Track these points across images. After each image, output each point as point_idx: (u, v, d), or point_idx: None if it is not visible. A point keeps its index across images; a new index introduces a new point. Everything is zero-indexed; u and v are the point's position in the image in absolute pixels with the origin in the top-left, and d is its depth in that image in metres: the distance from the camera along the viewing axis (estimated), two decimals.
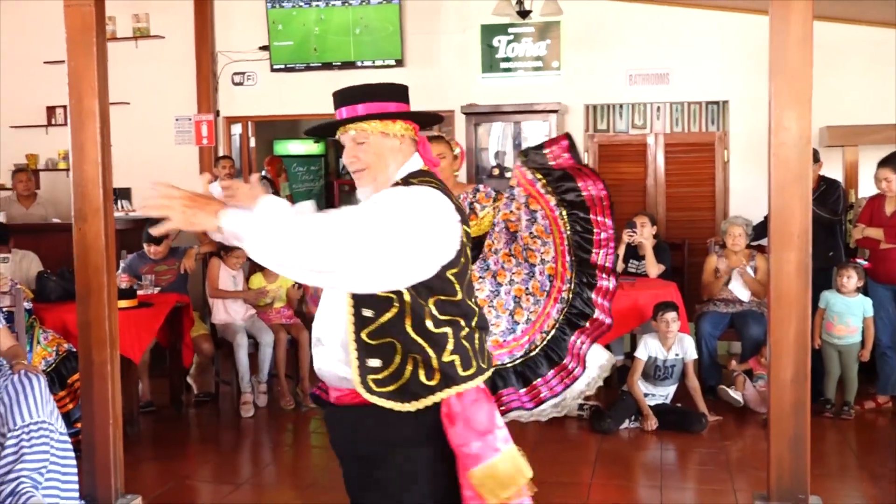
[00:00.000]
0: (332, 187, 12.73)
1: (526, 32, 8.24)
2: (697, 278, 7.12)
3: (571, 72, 8.26)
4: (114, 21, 8.76)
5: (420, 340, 2.33)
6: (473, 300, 2.47)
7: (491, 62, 8.39)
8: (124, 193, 8.73)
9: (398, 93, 2.48)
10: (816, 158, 6.44)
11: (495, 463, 2.36)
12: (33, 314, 5.47)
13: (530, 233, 4.49)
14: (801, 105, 3.77)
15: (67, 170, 9.21)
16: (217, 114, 9.07)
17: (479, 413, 2.38)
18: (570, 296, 4.46)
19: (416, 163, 2.48)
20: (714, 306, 6.75)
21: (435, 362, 2.33)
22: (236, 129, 9.50)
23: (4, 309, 4.84)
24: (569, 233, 4.41)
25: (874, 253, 6.39)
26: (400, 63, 8.49)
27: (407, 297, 2.29)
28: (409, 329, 2.31)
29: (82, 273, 4.33)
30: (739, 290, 6.71)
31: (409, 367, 2.33)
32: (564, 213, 4.41)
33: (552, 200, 4.43)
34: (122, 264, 6.63)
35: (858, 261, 6.48)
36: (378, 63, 8.53)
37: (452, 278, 2.36)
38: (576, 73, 8.25)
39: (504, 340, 4.51)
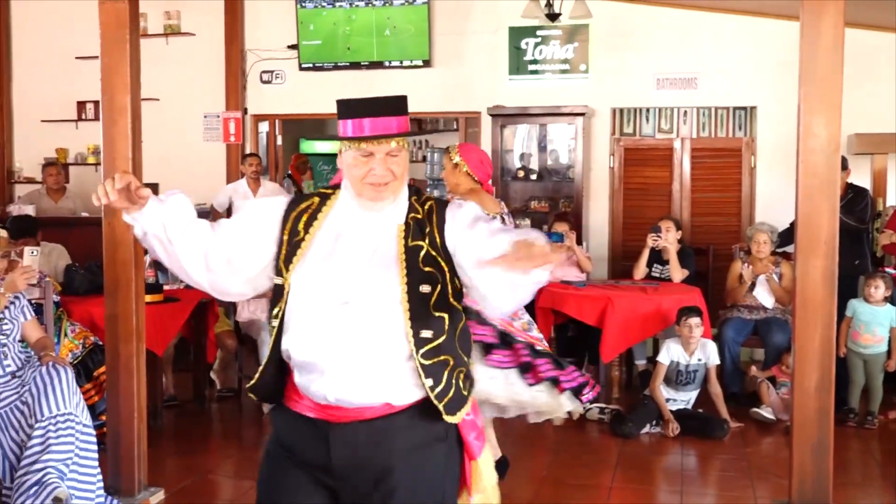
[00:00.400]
0: None
1: (554, 35, 8.25)
2: (721, 284, 7.09)
3: (599, 75, 8.25)
4: (145, 18, 8.83)
5: (463, 354, 2.39)
6: None
7: (518, 64, 8.40)
8: (152, 189, 8.78)
9: None
10: (844, 166, 6.39)
11: (486, 448, 2.50)
12: (61, 307, 5.53)
13: None
14: (831, 111, 3.77)
15: (96, 164, 9.35)
16: (245, 111, 9.13)
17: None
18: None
19: None
20: (738, 312, 6.73)
21: (470, 372, 2.42)
22: (263, 126, 9.57)
23: (33, 301, 4.89)
24: None
25: None
26: (427, 63, 8.52)
27: (458, 313, 2.35)
28: (457, 344, 2.36)
29: (111, 267, 4.39)
30: (764, 296, 6.67)
31: (454, 381, 2.34)
32: None
33: None
34: (148, 259, 6.68)
35: (887, 270, 6.44)
36: (406, 63, 8.56)
37: None
38: (603, 77, 8.24)
39: None
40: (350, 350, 2.28)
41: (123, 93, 4.32)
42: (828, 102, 3.79)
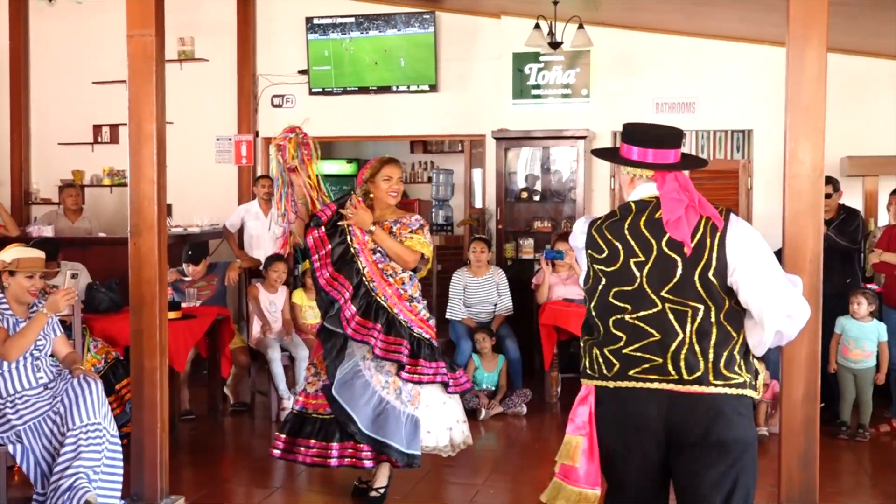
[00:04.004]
0: None
1: (556, 61, 8.51)
2: None
3: (600, 99, 8.51)
4: None
5: None
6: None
7: (521, 88, 8.66)
8: (167, 210, 9.04)
9: None
10: (837, 188, 6.64)
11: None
12: (83, 323, 5.75)
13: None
14: (815, 138, 4.02)
15: (111, 186, 9.61)
16: (256, 134, 9.39)
17: None
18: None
19: None
20: None
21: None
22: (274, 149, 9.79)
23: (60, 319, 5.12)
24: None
25: (889, 278, 6.56)
26: (434, 88, 8.79)
27: None
28: None
29: (136, 285, 4.60)
30: None
31: None
32: None
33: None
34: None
35: (870, 286, 6.65)
36: (413, 88, 8.83)
37: None
38: (604, 101, 8.50)
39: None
40: None
41: (150, 121, 4.57)
42: (812, 129, 4.03)
